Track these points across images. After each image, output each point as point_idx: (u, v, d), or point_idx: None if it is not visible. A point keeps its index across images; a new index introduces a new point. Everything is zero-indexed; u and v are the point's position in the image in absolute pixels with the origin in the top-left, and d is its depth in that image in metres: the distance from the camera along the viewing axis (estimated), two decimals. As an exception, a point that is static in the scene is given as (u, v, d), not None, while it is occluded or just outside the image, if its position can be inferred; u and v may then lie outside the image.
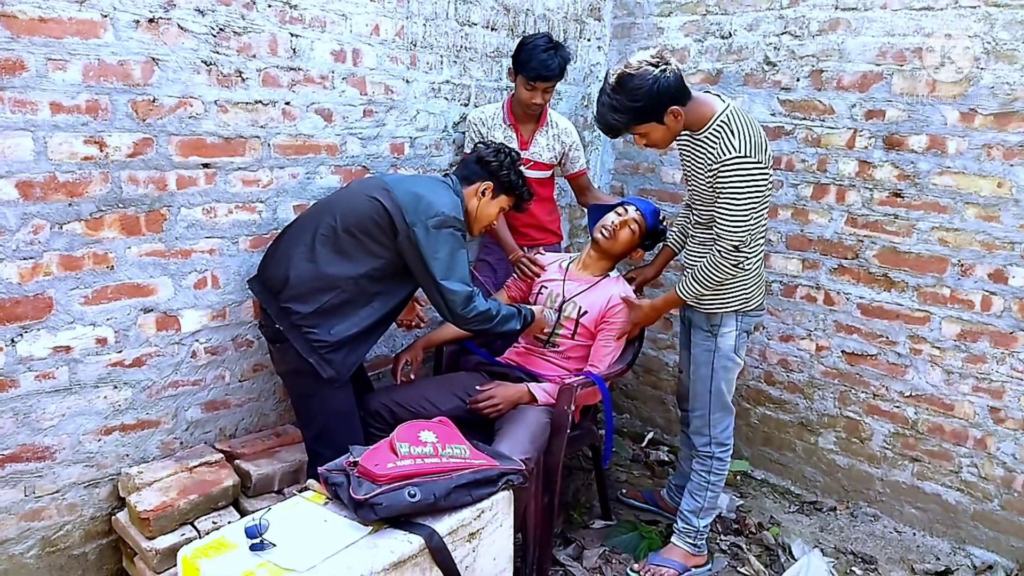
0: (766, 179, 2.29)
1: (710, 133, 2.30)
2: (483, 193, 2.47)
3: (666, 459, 3.57)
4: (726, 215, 2.29)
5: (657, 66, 2.22)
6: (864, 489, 3.17)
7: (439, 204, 2.26)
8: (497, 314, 2.41)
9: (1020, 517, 2.79)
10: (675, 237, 2.87)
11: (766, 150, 2.30)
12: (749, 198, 2.26)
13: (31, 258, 2.04)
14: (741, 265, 2.36)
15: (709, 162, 2.30)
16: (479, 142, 2.59)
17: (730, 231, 2.30)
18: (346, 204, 2.31)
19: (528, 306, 2.64)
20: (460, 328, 2.49)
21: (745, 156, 2.23)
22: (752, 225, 2.30)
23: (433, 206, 2.24)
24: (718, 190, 2.30)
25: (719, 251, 2.35)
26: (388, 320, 2.42)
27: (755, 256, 2.41)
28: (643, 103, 2.23)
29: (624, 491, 3.21)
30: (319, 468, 1.89)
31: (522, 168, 2.56)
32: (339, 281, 2.24)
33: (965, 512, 2.92)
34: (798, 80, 3.12)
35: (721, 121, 2.28)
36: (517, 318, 2.52)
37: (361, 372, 2.68)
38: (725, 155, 2.24)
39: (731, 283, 2.43)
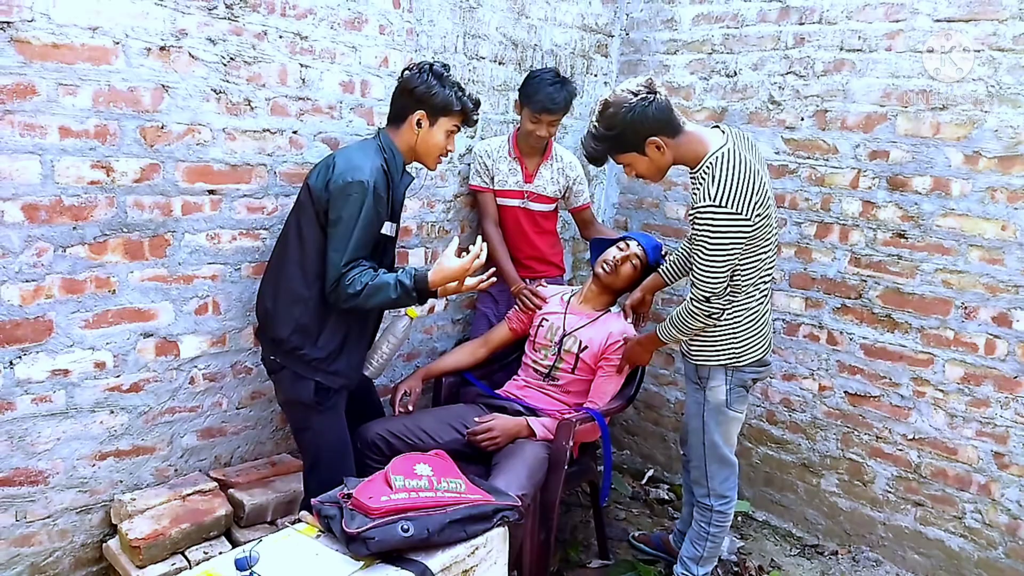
0: (745, 230, 2.15)
1: (698, 175, 2.22)
2: (418, 124, 2.25)
3: (666, 497, 3.52)
4: (697, 264, 2.22)
5: (638, 95, 2.16)
6: (866, 533, 3.12)
7: (341, 172, 2.13)
8: (362, 290, 2.13)
9: (1026, 566, 2.74)
10: (668, 267, 2.77)
11: (750, 198, 2.14)
12: (720, 249, 2.16)
13: (33, 280, 2.04)
14: (716, 316, 2.28)
15: (692, 205, 2.24)
16: (404, 68, 2.35)
17: (700, 280, 2.23)
18: (292, 214, 2.29)
19: (419, 269, 2.24)
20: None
21: (719, 205, 2.11)
22: (724, 277, 2.21)
23: (340, 175, 2.13)
24: (693, 235, 2.23)
25: (691, 299, 2.28)
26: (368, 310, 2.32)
27: (741, 307, 2.32)
28: (618, 132, 2.19)
29: (636, 535, 3.12)
30: (312, 500, 1.87)
31: (443, 72, 2.26)
32: (302, 290, 2.20)
33: (969, 559, 2.86)
34: (802, 119, 3.14)
35: (708, 163, 2.18)
36: (390, 288, 2.15)
37: (373, 399, 2.68)
38: (700, 202, 2.15)
39: (716, 334, 2.35)
